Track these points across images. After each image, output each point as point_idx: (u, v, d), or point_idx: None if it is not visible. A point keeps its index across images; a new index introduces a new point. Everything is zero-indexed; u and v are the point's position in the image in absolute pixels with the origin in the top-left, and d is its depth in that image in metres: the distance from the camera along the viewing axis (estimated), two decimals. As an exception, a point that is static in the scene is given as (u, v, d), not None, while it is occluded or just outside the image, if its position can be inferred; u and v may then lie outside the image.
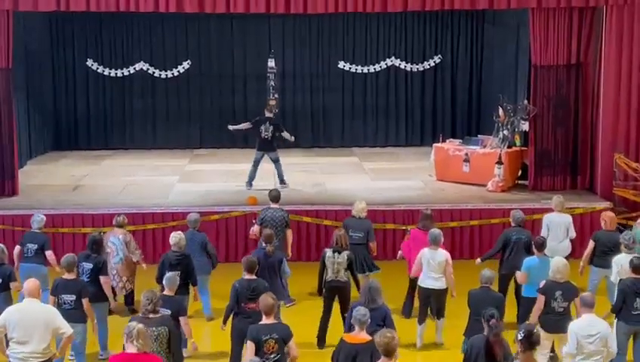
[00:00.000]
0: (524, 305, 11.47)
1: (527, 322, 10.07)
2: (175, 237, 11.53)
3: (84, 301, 10.37)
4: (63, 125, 23.01)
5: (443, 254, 11.61)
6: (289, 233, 13.46)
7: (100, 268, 11.35)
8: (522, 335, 7.96)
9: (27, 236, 12.85)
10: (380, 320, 9.34)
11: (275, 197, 13.64)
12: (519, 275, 11.53)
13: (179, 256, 11.40)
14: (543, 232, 13.03)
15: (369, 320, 8.70)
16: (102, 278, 11.33)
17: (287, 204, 15.23)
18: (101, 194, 17.16)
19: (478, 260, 12.57)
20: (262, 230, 12.73)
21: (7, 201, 16.39)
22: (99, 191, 17.49)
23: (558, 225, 13.17)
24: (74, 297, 10.33)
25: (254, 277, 10.33)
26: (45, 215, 13.56)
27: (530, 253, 11.83)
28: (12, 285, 11.07)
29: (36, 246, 12.54)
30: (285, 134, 17.68)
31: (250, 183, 17.39)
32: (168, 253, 11.53)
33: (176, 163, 20.88)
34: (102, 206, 16.03)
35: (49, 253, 12.57)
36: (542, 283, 10.46)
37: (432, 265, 11.57)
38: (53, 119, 22.80)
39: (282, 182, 17.48)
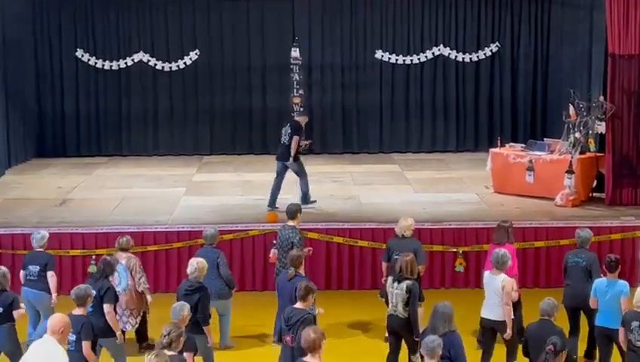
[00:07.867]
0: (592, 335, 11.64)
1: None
2: (192, 266, 11.62)
3: (84, 344, 10.19)
4: (48, 128, 23.19)
5: (501, 279, 11.53)
6: None
7: (103, 295, 11.38)
8: None
9: (28, 257, 13.02)
10: (446, 350, 9.33)
11: (289, 211, 13.53)
12: (591, 300, 11.51)
13: (189, 288, 11.45)
14: None
15: (440, 350, 8.81)
16: (105, 307, 11.36)
17: (314, 221, 15.23)
18: (93, 210, 17.24)
19: None
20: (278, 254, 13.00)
21: (-18, 218, 16.55)
22: (90, 207, 17.57)
23: None
24: (74, 337, 10.15)
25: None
26: (26, 234, 13.62)
27: (592, 279, 11.85)
28: (16, 314, 11.18)
29: (38, 267, 12.64)
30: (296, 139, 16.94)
31: (272, 202, 16.99)
32: (183, 283, 11.71)
33: (182, 172, 20.98)
34: (94, 224, 16.08)
35: (50, 274, 12.60)
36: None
37: (489, 292, 11.57)
38: (36, 121, 22.98)
39: (306, 200, 16.96)
